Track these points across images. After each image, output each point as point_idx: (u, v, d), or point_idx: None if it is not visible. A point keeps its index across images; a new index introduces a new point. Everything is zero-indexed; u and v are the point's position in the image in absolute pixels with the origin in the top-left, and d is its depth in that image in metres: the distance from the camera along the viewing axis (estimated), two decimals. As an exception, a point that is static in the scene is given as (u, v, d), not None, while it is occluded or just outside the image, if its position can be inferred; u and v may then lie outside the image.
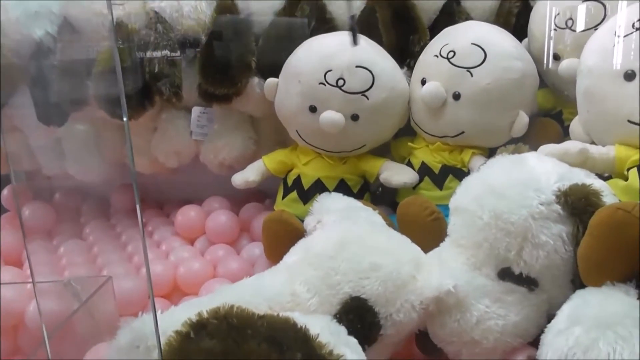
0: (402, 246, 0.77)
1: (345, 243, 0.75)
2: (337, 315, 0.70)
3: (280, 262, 0.80)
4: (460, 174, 1.04)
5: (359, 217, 0.85)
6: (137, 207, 0.43)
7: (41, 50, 1.13)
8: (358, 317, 0.70)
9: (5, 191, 1.31)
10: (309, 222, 0.88)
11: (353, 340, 0.63)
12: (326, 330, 0.61)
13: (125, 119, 0.43)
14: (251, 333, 0.56)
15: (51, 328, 0.82)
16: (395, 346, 0.77)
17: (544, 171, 0.74)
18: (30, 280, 0.99)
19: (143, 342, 0.63)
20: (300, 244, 0.80)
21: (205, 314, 0.59)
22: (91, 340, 0.84)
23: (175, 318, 0.63)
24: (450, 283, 0.71)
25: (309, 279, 0.73)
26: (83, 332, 0.87)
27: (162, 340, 0.58)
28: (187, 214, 1.23)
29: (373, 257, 0.73)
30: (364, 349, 0.66)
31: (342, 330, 0.65)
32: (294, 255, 0.79)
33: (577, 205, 0.69)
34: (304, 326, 0.58)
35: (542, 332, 0.67)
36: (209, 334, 0.56)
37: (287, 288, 0.73)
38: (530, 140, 0.93)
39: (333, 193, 0.97)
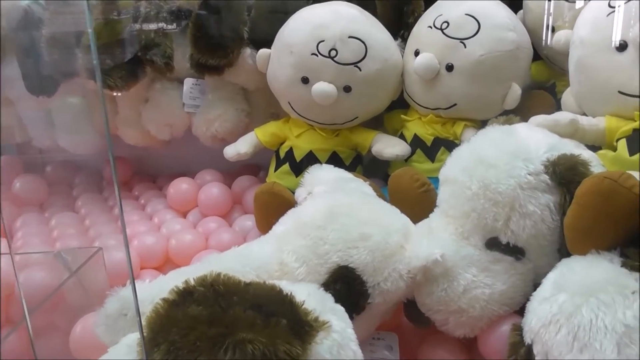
0: (391, 216, 0.77)
1: (334, 213, 0.75)
2: (325, 284, 0.70)
3: (269, 231, 0.80)
4: (453, 146, 1.02)
5: (348, 187, 0.85)
6: (114, 181, 0.42)
7: (29, 19, 1.11)
8: (346, 286, 0.70)
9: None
10: (300, 194, 0.87)
11: (340, 308, 0.64)
12: (312, 298, 0.61)
13: (100, 93, 0.42)
14: (237, 300, 0.56)
15: (41, 298, 0.82)
16: (382, 315, 0.77)
17: (534, 142, 0.74)
18: (21, 251, 1.00)
19: (131, 310, 0.64)
20: (290, 214, 0.80)
21: (192, 282, 0.59)
22: (82, 310, 0.85)
23: (163, 286, 0.63)
24: (438, 252, 0.71)
25: (298, 249, 0.73)
26: (74, 302, 0.88)
27: (150, 308, 0.59)
28: (179, 187, 1.23)
29: (361, 227, 0.73)
30: (351, 318, 0.66)
31: (329, 297, 0.65)
32: (283, 225, 0.79)
33: (565, 175, 0.69)
34: (289, 293, 0.58)
35: (529, 300, 0.68)
36: (195, 301, 0.56)
37: (275, 257, 0.73)
38: (523, 112, 0.93)
39: (324, 165, 0.97)
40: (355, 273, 0.70)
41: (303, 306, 0.57)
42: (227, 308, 0.54)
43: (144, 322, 0.57)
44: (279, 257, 0.73)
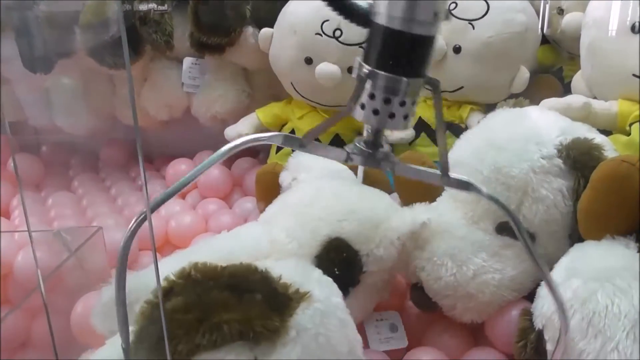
0: (377, 196, 0.77)
1: (320, 194, 0.74)
2: (319, 257, 0.69)
3: (258, 218, 0.79)
4: (458, 130, 1.02)
5: (333, 174, 0.83)
6: (140, 159, 0.40)
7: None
8: (339, 256, 0.69)
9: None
10: (284, 178, 0.86)
11: (326, 279, 0.61)
12: (296, 271, 0.59)
13: (128, 75, 0.40)
14: (213, 284, 0.54)
15: (41, 277, 0.80)
16: (379, 291, 0.76)
17: (546, 125, 0.72)
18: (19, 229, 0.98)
19: (129, 298, 0.62)
20: (277, 200, 0.80)
21: (172, 277, 0.58)
22: (81, 291, 0.83)
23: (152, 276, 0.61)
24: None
25: (288, 226, 0.72)
26: (73, 282, 0.86)
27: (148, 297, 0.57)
28: (178, 168, 1.21)
29: (349, 204, 0.73)
30: (348, 292, 0.66)
31: (316, 270, 0.63)
32: (271, 209, 0.78)
33: (579, 159, 0.67)
34: (264, 269, 0.57)
35: (538, 286, 0.67)
36: (175, 294, 0.55)
37: (266, 235, 0.72)
38: (529, 97, 0.91)
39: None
40: (346, 243, 0.70)
41: (281, 280, 0.56)
42: (203, 294, 0.53)
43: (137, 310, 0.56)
44: (269, 236, 0.72)
